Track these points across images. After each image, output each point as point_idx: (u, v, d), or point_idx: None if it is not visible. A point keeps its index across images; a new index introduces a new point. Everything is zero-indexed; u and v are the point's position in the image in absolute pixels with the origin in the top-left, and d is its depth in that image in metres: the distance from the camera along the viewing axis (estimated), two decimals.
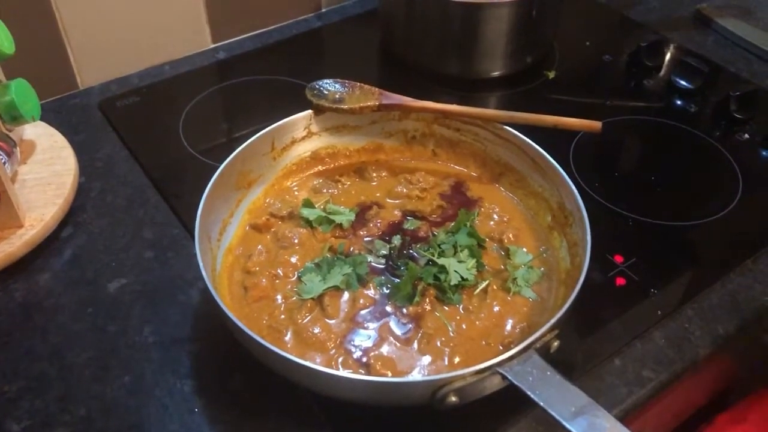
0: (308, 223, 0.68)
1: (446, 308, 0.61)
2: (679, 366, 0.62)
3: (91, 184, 0.79)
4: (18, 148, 0.75)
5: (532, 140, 0.69)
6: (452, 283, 0.61)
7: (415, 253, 0.65)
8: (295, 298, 0.62)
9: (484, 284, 0.62)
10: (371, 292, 0.62)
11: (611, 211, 0.75)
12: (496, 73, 0.95)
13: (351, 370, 0.56)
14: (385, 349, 0.58)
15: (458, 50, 0.93)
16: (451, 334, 0.59)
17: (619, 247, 0.71)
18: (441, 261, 0.62)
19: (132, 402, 0.59)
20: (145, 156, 0.83)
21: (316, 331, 0.59)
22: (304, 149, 0.74)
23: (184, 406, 0.58)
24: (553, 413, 0.48)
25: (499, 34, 0.90)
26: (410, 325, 0.59)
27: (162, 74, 0.96)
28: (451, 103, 0.72)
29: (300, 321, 0.60)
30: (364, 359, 0.57)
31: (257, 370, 0.56)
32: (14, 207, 0.68)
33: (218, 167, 0.66)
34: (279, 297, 0.62)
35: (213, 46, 1.01)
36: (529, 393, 0.49)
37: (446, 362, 0.57)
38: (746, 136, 0.87)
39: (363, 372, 0.56)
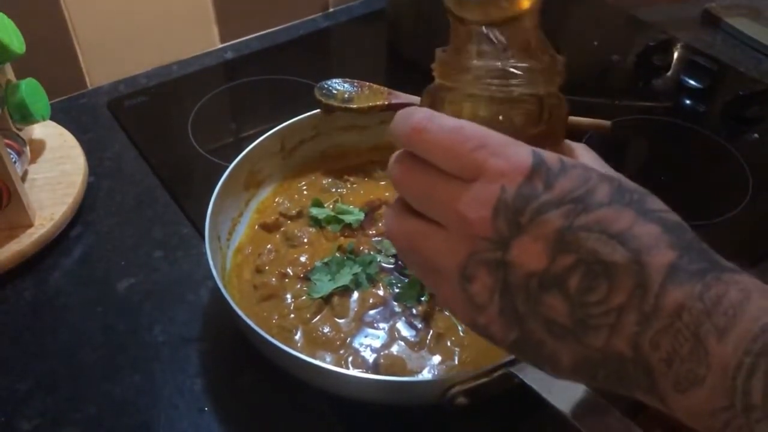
0: (317, 222, 0.68)
1: None
2: None
3: (100, 184, 0.79)
4: (28, 147, 0.75)
5: None
6: None
7: None
8: (304, 297, 0.62)
9: None
10: (381, 292, 0.62)
11: None
12: None
13: (361, 370, 0.56)
14: (394, 349, 0.58)
15: None
16: (462, 334, 0.59)
17: None
18: None
19: (142, 401, 0.59)
20: (154, 155, 0.83)
21: (326, 330, 0.59)
22: (313, 149, 0.74)
23: (193, 405, 0.59)
24: (564, 412, 0.48)
25: None
26: (420, 325, 0.59)
27: (170, 74, 0.96)
28: None
29: (310, 320, 0.60)
30: (374, 358, 0.57)
31: (267, 369, 0.56)
32: (24, 206, 0.69)
33: (227, 167, 0.66)
34: (288, 296, 0.62)
35: (221, 46, 1.01)
36: (540, 392, 0.49)
37: (456, 362, 0.57)
38: (755, 135, 0.87)
39: (373, 371, 0.56)
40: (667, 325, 0.30)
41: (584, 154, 0.38)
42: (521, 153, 0.33)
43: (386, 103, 0.72)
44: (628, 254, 0.31)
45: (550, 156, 0.33)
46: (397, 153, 0.37)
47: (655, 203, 0.33)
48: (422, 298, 0.61)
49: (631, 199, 0.32)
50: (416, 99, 0.72)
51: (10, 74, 0.74)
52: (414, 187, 0.36)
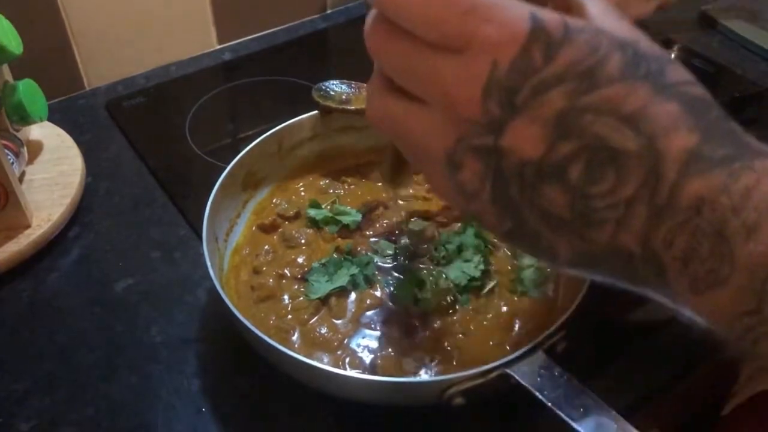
0: (315, 223, 0.68)
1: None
2: (685, 366, 0.62)
3: (98, 185, 0.79)
4: (25, 148, 0.75)
5: None
6: (461, 284, 0.61)
7: (420, 258, 0.65)
8: (302, 298, 0.62)
9: (491, 284, 0.62)
10: (378, 293, 0.62)
11: None
12: None
13: (358, 370, 0.56)
14: (392, 350, 0.58)
15: None
16: (459, 335, 0.59)
17: None
18: (445, 270, 0.62)
19: (139, 402, 0.59)
20: (152, 156, 0.83)
21: (323, 331, 0.59)
22: (310, 150, 0.74)
23: (191, 406, 0.59)
24: (561, 414, 0.48)
25: None
26: (417, 326, 0.59)
27: (168, 75, 0.96)
28: None
29: (307, 321, 0.60)
30: (371, 359, 0.57)
31: (265, 370, 0.56)
32: (22, 207, 0.69)
33: (225, 168, 0.66)
34: (286, 297, 0.62)
35: (219, 47, 1.01)
36: (536, 393, 0.49)
37: (454, 363, 0.57)
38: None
39: (370, 372, 0.56)
40: (683, 221, 0.26)
41: (594, 2, 0.32)
42: (516, 17, 0.28)
43: None
44: (640, 140, 0.27)
45: (551, 19, 0.28)
46: (372, 14, 0.32)
47: (677, 73, 0.28)
48: (420, 301, 0.61)
49: (648, 70, 0.28)
50: None
51: (8, 75, 0.74)
52: (393, 58, 0.31)
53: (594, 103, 0.27)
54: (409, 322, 0.60)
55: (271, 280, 0.63)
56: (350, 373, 0.55)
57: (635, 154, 0.27)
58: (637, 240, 0.27)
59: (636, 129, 0.27)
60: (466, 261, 0.63)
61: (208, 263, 0.57)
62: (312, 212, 0.69)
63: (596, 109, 0.27)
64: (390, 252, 0.66)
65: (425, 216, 0.70)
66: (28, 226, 0.70)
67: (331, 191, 0.73)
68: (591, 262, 0.29)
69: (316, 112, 0.73)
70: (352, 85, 0.73)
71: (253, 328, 0.52)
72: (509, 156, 0.28)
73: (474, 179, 0.30)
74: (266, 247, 0.67)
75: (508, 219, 0.30)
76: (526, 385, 0.50)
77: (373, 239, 0.67)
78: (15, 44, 0.70)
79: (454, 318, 0.60)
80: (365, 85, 0.73)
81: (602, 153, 0.27)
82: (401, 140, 0.33)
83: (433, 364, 0.57)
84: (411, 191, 0.72)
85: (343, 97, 0.72)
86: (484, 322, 0.60)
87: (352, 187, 0.73)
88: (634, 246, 0.28)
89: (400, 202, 0.71)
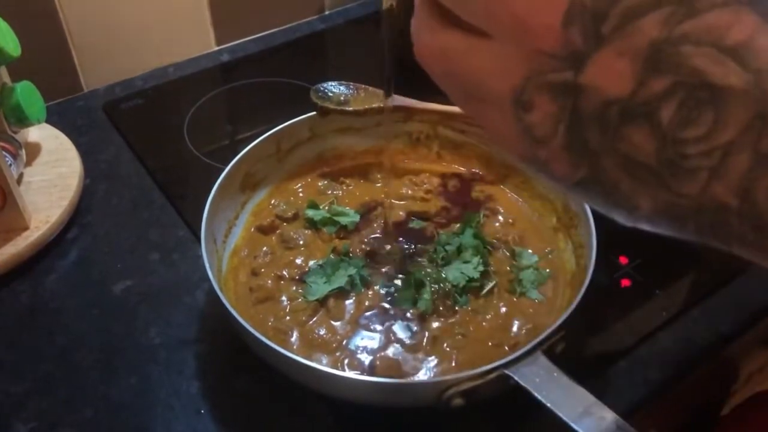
0: (313, 224, 0.68)
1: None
2: (684, 366, 0.62)
3: (96, 186, 0.79)
4: (23, 150, 0.75)
5: None
6: (460, 285, 0.61)
7: (419, 258, 0.65)
8: (300, 299, 0.62)
9: (490, 285, 0.62)
10: (377, 294, 0.62)
11: None
12: None
13: (357, 372, 0.56)
14: (390, 351, 0.58)
15: None
16: (458, 336, 0.59)
17: (624, 249, 0.71)
18: (444, 271, 0.62)
19: (138, 403, 0.59)
20: (150, 158, 0.83)
21: (322, 332, 0.59)
22: (309, 151, 0.74)
23: (190, 407, 0.59)
24: (560, 414, 0.48)
25: None
26: (416, 327, 0.59)
27: (166, 76, 0.96)
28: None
29: (305, 322, 0.60)
30: (370, 360, 0.57)
31: (263, 372, 0.56)
32: (20, 209, 0.69)
33: (223, 169, 0.66)
34: (284, 298, 0.62)
35: (217, 48, 1.01)
36: (535, 394, 0.49)
37: (453, 363, 0.57)
38: None
39: (369, 373, 0.56)
40: None
41: None
42: None
43: (382, 105, 0.72)
44: (746, 75, 0.23)
45: None
46: None
47: None
48: (418, 302, 0.61)
49: None
50: (412, 101, 0.72)
51: (6, 77, 0.74)
52: None
53: (694, 31, 0.23)
54: (408, 324, 0.60)
55: (269, 282, 0.63)
56: (349, 374, 0.55)
57: (739, 92, 0.23)
58: (735, 191, 0.24)
59: (742, 63, 0.23)
60: (465, 262, 0.63)
61: (207, 265, 0.57)
62: (310, 213, 0.69)
63: (696, 40, 0.23)
64: (388, 253, 0.66)
65: (424, 217, 0.70)
66: (26, 228, 0.70)
67: (330, 192, 0.73)
68: (677, 216, 0.26)
69: (314, 113, 0.73)
70: (351, 86, 0.73)
71: (251, 330, 0.52)
72: (590, 94, 0.25)
73: (546, 122, 0.27)
74: (265, 248, 0.67)
75: (583, 168, 0.27)
76: (525, 385, 0.49)
77: (371, 240, 0.67)
78: (13, 46, 0.70)
79: (453, 319, 0.60)
80: (363, 86, 0.73)
81: (700, 91, 0.23)
82: (456, 79, 0.29)
83: (432, 365, 0.57)
84: (410, 192, 0.72)
85: (342, 98, 0.72)
86: (483, 323, 0.60)
87: (351, 187, 0.73)
88: (730, 198, 0.24)
89: (400, 202, 0.72)
